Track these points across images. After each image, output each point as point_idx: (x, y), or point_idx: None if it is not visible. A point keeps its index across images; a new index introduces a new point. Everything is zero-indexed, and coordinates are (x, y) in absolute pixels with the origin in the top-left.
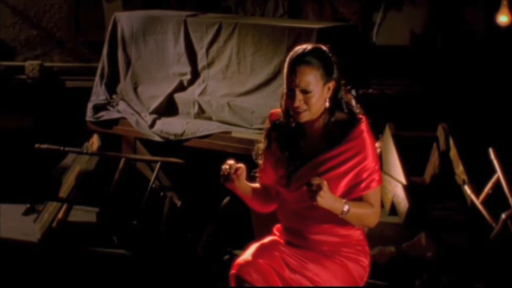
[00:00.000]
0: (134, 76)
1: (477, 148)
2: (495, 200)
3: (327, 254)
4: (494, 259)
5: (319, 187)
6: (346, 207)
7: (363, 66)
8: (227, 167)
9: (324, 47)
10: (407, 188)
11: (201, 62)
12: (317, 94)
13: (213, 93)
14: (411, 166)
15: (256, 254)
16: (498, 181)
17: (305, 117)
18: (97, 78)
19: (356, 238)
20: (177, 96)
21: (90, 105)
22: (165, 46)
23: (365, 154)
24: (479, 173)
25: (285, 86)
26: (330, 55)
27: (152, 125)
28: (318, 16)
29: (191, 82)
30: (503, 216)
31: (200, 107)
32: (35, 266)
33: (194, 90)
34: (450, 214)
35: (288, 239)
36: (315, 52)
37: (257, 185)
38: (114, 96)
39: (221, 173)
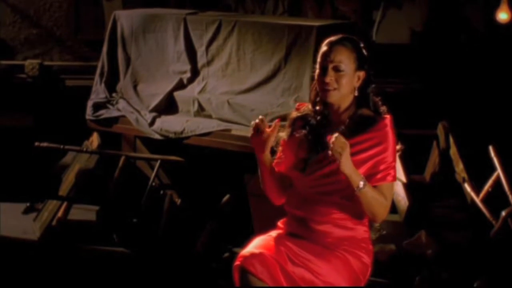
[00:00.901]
0: (134, 74)
1: (477, 146)
2: (495, 198)
3: (330, 248)
4: (495, 257)
5: (343, 147)
6: (362, 182)
7: None
8: (259, 121)
9: (361, 42)
10: (407, 186)
11: (201, 60)
12: (348, 76)
13: (213, 91)
14: (411, 164)
15: (260, 247)
16: (498, 179)
17: (333, 96)
18: (96, 77)
19: (361, 234)
20: (177, 94)
21: (89, 103)
22: (165, 44)
23: (385, 146)
24: (479, 171)
25: (317, 67)
26: (365, 49)
27: (152, 123)
28: (317, 15)
29: (191, 80)
30: (503, 213)
31: (200, 105)
32: (34, 265)
33: (194, 88)
34: (450, 212)
35: (293, 230)
36: (351, 38)
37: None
38: (114, 95)
39: (253, 125)
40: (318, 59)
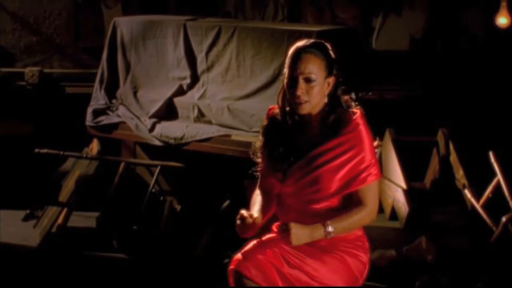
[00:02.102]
0: (134, 80)
1: (477, 152)
2: (496, 204)
3: (326, 249)
4: (495, 262)
5: (286, 231)
6: (329, 229)
7: (363, 69)
8: (239, 222)
9: (326, 43)
10: (407, 192)
11: (201, 66)
12: (318, 85)
13: (213, 96)
14: (411, 171)
15: (255, 250)
16: (498, 184)
17: (305, 108)
18: (96, 83)
19: (355, 233)
20: (177, 100)
21: (89, 110)
22: (164, 50)
23: (361, 147)
24: (479, 177)
25: (286, 77)
26: (332, 52)
27: (151, 129)
28: (317, 21)
29: (191, 86)
30: (504, 219)
31: (199, 110)
32: (34, 271)
33: (194, 94)
34: (450, 218)
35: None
36: (319, 44)
37: (259, 202)
38: (113, 101)
39: (237, 225)
40: (287, 68)
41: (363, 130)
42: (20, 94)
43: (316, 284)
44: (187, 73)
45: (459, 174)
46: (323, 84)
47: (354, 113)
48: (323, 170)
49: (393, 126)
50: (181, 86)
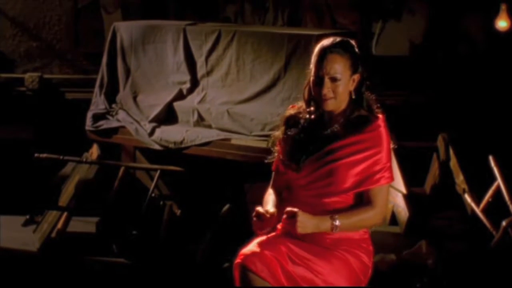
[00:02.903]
0: (134, 85)
1: (477, 157)
2: (496, 208)
3: (330, 248)
4: (495, 266)
5: (293, 218)
6: (336, 222)
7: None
8: (256, 218)
9: (352, 41)
10: (407, 197)
11: (201, 70)
12: (344, 84)
13: (213, 101)
14: (412, 176)
15: (261, 245)
16: (498, 189)
17: (331, 105)
18: (96, 88)
19: (361, 235)
20: (177, 104)
21: (89, 114)
22: (164, 55)
23: (380, 148)
24: (479, 182)
25: (312, 75)
26: (357, 49)
27: (151, 133)
28: (317, 27)
29: (191, 90)
30: (504, 223)
31: (199, 115)
32: (34, 276)
33: (194, 98)
34: (450, 223)
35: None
36: (345, 43)
37: (273, 200)
38: (113, 105)
39: (254, 223)
40: (313, 67)
41: (384, 133)
42: (20, 99)
43: (320, 282)
44: (187, 77)
45: (459, 179)
46: (348, 82)
47: (377, 116)
48: (339, 164)
49: (393, 131)
50: (181, 91)
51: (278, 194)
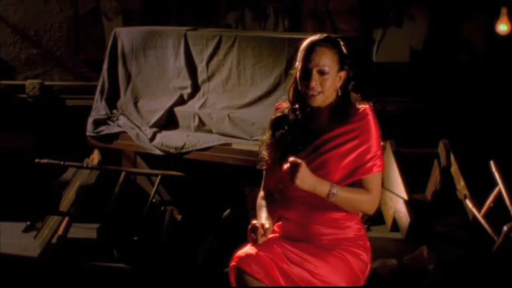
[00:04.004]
0: (135, 90)
1: (478, 163)
2: (497, 213)
3: (327, 248)
4: (496, 272)
5: (295, 168)
6: (334, 190)
7: (365, 79)
8: (254, 234)
9: (338, 39)
10: (408, 203)
11: (201, 76)
12: (331, 78)
13: (214, 106)
14: (412, 183)
15: (256, 247)
16: (499, 194)
17: (318, 100)
18: (97, 94)
19: (357, 232)
20: (178, 110)
21: (90, 120)
22: (165, 60)
23: (368, 136)
24: (480, 188)
25: (299, 69)
26: (343, 47)
27: (152, 139)
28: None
29: (191, 95)
30: (505, 228)
31: (200, 120)
32: (35, 282)
33: (194, 104)
34: (451, 229)
35: (288, 233)
36: (332, 39)
37: (265, 207)
38: (114, 111)
39: (249, 236)
40: (300, 61)
41: (371, 121)
42: (21, 106)
43: (317, 282)
44: (187, 82)
45: (460, 185)
46: (335, 77)
47: (364, 106)
48: (329, 155)
49: (394, 138)
50: (181, 96)
51: (270, 195)
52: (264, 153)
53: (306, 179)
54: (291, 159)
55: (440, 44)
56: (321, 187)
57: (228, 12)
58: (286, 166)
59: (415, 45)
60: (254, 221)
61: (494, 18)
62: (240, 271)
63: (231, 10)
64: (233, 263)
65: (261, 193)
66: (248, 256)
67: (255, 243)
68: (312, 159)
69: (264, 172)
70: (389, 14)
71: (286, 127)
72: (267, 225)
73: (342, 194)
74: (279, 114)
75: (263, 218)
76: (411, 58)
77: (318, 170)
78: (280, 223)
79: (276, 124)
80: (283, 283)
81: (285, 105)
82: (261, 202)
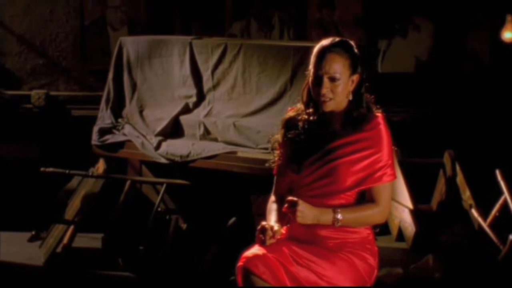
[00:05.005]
0: (140, 99)
1: (483, 172)
2: (503, 222)
3: (334, 250)
4: (502, 281)
5: (294, 207)
6: (338, 216)
7: (371, 87)
8: (262, 236)
9: (352, 42)
10: (414, 212)
11: (207, 84)
12: (343, 84)
13: (219, 114)
14: (418, 193)
15: (263, 248)
16: (505, 203)
17: (330, 106)
18: (102, 103)
19: (365, 236)
20: (183, 118)
21: (95, 129)
22: (170, 69)
23: (380, 147)
24: (486, 197)
25: (311, 75)
26: (357, 50)
27: (157, 147)
28: None
29: (197, 104)
30: (511, 237)
31: (205, 128)
32: None
33: (200, 112)
34: (457, 239)
35: (295, 235)
36: (344, 43)
37: (276, 210)
38: (119, 120)
39: (258, 237)
40: (312, 67)
41: (384, 130)
42: (26, 117)
43: (324, 284)
44: (193, 91)
45: (466, 195)
46: (347, 82)
47: (377, 114)
48: (339, 162)
49: (399, 147)
50: (187, 105)
51: (280, 200)
52: (276, 152)
53: (306, 214)
54: (288, 198)
55: (445, 54)
56: (324, 216)
57: (233, 22)
58: (284, 206)
59: (420, 56)
60: (264, 222)
61: (499, 27)
62: (247, 272)
63: (236, 20)
64: (240, 263)
65: (272, 198)
66: (255, 257)
67: (263, 244)
68: (322, 163)
69: (275, 177)
70: (394, 24)
71: (299, 128)
72: (276, 228)
73: (347, 216)
74: (292, 114)
75: (272, 221)
76: (416, 68)
77: (328, 176)
78: (288, 225)
79: (289, 123)
80: (289, 284)
81: (298, 107)
82: (271, 206)
